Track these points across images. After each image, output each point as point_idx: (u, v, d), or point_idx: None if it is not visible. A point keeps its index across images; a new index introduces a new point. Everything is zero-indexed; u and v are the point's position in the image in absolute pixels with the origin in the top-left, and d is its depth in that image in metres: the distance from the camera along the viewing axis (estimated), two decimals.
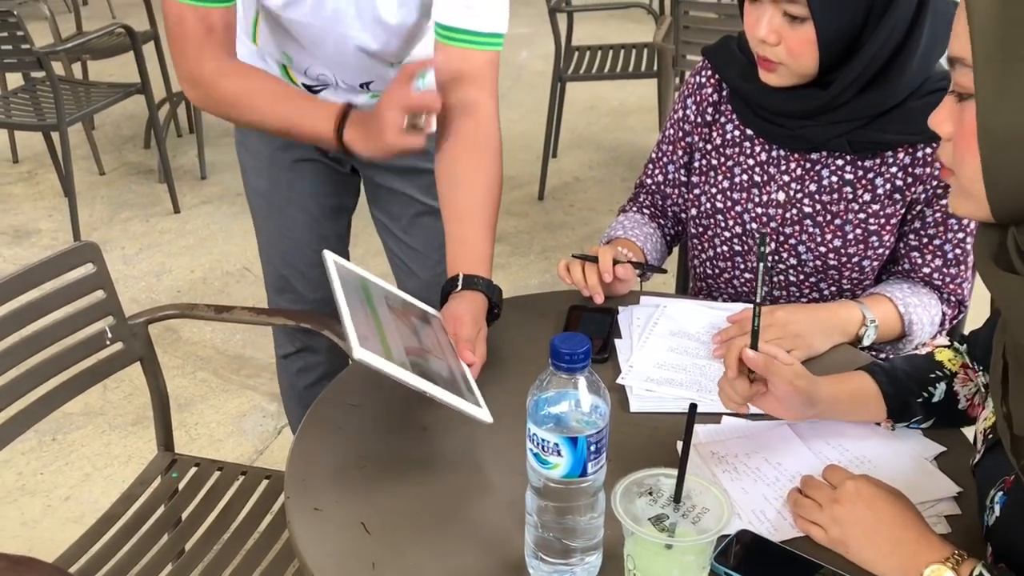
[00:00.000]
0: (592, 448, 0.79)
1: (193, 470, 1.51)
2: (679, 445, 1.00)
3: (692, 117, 1.43)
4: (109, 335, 1.40)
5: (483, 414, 1.01)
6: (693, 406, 0.82)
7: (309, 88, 1.52)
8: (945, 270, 1.32)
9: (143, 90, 3.35)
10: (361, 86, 1.51)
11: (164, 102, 3.93)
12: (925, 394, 1.05)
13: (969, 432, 1.02)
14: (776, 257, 1.37)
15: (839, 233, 1.33)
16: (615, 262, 1.30)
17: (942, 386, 1.05)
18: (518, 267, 3.16)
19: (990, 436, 0.88)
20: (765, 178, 1.36)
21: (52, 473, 2.25)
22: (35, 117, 3.23)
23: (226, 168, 3.93)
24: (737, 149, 1.38)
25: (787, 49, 1.22)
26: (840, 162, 1.31)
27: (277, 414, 2.41)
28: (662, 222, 1.51)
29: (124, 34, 3.31)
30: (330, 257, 1.06)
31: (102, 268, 1.40)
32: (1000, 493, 0.84)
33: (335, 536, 0.91)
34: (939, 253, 1.31)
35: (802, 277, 1.37)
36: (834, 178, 1.32)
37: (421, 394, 0.96)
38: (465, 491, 0.98)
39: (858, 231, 1.32)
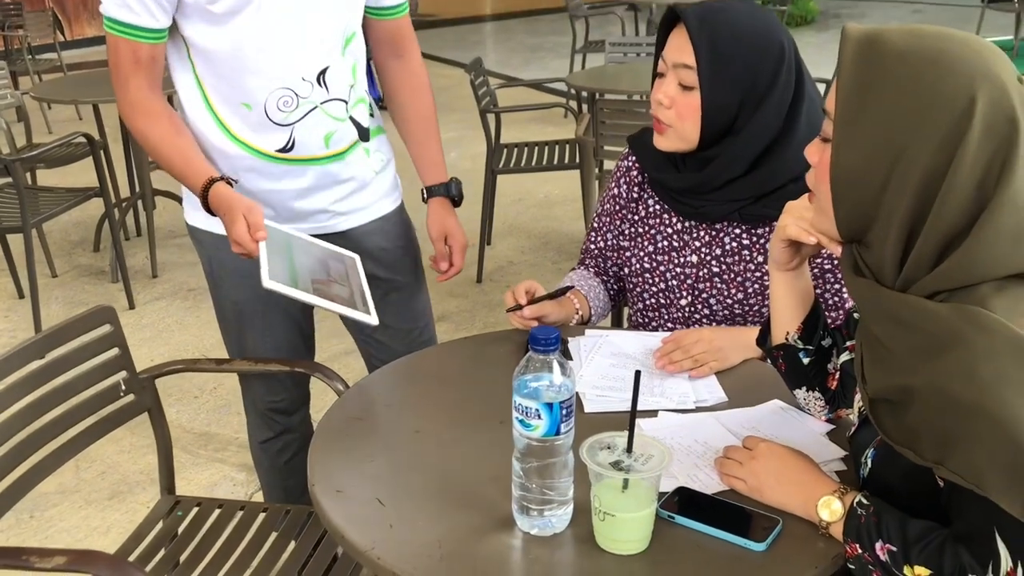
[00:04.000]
0: (564, 412, 1.03)
1: (195, 509, 1.68)
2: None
3: (623, 193, 1.71)
4: (123, 387, 1.60)
5: (369, 319, 1.43)
6: (638, 372, 1.08)
7: (285, 124, 1.61)
8: (827, 312, 1.58)
9: (101, 194, 3.54)
10: (319, 80, 1.60)
11: (116, 206, 4.12)
12: (825, 333, 1.29)
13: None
14: (692, 308, 1.65)
15: (741, 288, 1.61)
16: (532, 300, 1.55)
17: (831, 341, 1.29)
18: None
19: (862, 412, 1.15)
20: (680, 244, 1.64)
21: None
22: None
23: (176, 267, 4.13)
24: (658, 220, 1.66)
25: (676, 113, 1.51)
26: (738, 231, 1.59)
27: (247, 482, 2.57)
28: (605, 279, 1.77)
29: (84, 143, 3.52)
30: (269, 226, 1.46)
31: (118, 328, 1.60)
32: (872, 451, 1.10)
33: (357, 509, 1.12)
34: (821, 300, 1.57)
35: (714, 324, 1.64)
36: (734, 244, 1.60)
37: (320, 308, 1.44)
38: (458, 472, 1.20)
39: (756, 286, 1.60)
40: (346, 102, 1.64)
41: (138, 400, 1.63)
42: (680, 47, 1.49)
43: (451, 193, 1.81)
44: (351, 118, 1.66)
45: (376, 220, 1.76)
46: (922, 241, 0.92)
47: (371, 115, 1.74)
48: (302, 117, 1.60)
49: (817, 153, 1.02)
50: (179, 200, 4.27)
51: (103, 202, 3.63)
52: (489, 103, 4.07)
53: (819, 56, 8.19)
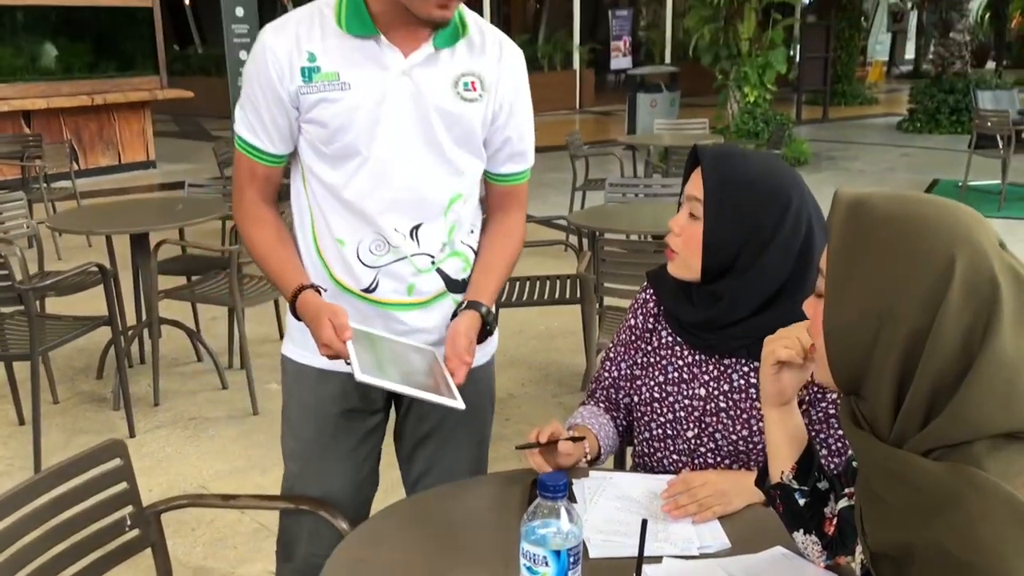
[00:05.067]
0: (571, 560, 1.05)
1: None
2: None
3: (639, 324, 1.77)
4: (128, 522, 1.60)
5: (456, 403, 1.48)
6: (644, 521, 1.10)
7: (375, 267, 1.67)
8: (830, 458, 1.59)
9: (110, 322, 3.60)
10: (412, 234, 1.67)
11: (122, 333, 4.17)
12: (821, 476, 1.31)
13: None
14: (698, 441, 1.68)
15: (747, 425, 1.64)
16: (549, 440, 1.56)
17: (829, 485, 1.31)
18: None
19: (864, 564, 1.16)
20: (689, 376, 1.68)
21: None
22: (0, 348, 3.45)
23: (178, 395, 4.14)
24: (669, 351, 1.71)
25: (683, 241, 1.59)
26: (746, 368, 1.64)
27: None
28: (615, 414, 1.80)
29: (96, 272, 3.60)
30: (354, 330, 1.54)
31: (127, 463, 1.62)
32: None
33: None
34: (824, 445, 1.60)
35: (719, 459, 1.67)
36: (742, 381, 1.64)
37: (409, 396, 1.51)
38: None
39: (760, 424, 1.62)
40: (434, 257, 1.70)
41: (143, 535, 1.64)
42: (696, 182, 1.60)
43: (485, 313, 1.71)
44: (439, 270, 1.71)
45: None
46: (911, 398, 0.95)
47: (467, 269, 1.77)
48: (389, 263, 1.67)
49: (812, 307, 1.08)
50: (184, 328, 4.37)
51: (111, 329, 3.67)
52: None
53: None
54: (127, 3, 11.10)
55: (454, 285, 1.74)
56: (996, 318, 0.92)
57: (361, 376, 1.44)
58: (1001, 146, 7.89)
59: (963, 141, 10.40)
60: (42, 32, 10.56)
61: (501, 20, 22.23)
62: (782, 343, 1.26)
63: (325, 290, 1.67)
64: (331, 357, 1.55)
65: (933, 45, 14.99)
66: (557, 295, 4.08)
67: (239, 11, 9.22)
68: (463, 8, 1.64)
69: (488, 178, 1.77)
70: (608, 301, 3.84)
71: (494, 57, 1.67)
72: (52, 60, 10.61)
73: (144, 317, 4.29)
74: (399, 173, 1.63)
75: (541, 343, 4.80)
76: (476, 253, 1.78)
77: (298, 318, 1.64)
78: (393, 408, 1.87)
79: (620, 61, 17.57)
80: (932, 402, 0.94)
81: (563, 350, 4.67)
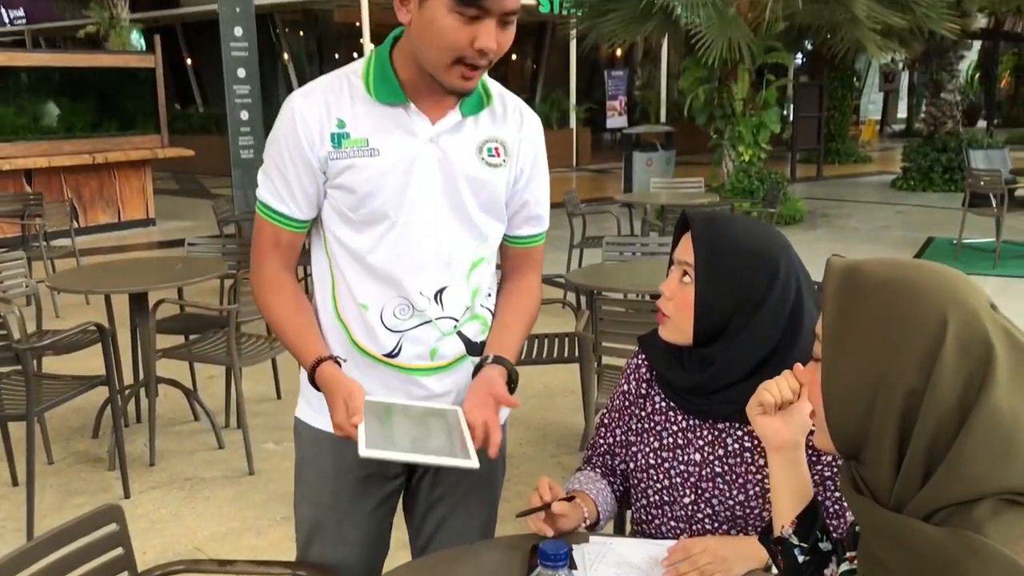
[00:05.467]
0: None
1: None
2: None
3: (632, 390, 1.77)
4: None
5: (469, 463, 1.46)
6: None
7: (399, 331, 1.66)
8: (827, 520, 1.59)
9: (107, 382, 3.59)
10: (436, 297, 1.67)
11: (119, 392, 4.15)
12: (824, 536, 1.30)
13: None
14: (695, 507, 1.67)
15: (743, 490, 1.63)
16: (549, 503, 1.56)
17: (831, 547, 1.30)
18: None
19: None
20: (684, 441, 1.68)
21: None
22: None
23: (174, 455, 4.11)
24: (664, 417, 1.71)
25: (675, 304, 1.60)
26: (740, 432, 1.64)
27: None
28: (612, 479, 1.79)
29: (94, 331, 3.60)
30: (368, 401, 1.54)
31: (123, 528, 1.61)
32: None
33: None
34: (822, 507, 1.60)
35: (716, 524, 1.65)
36: (736, 445, 1.64)
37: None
38: None
39: (757, 488, 1.62)
40: (457, 320, 1.70)
41: None
42: (686, 247, 1.61)
43: (510, 370, 1.69)
44: (459, 333, 1.71)
45: None
46: (909, 459, 0.95)
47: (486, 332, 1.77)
48: (413, 327, 1.67)
49: (810, 373, 1.09)
50: (181, 387, 4.35)
51: (108, 389, 3.66)
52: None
53: (808, 253, 8.44)
54: (130, 64, 11.28)
55: (473, 348, 1.74)
56: (991, 376, 0.94)
57: (365, 452, 1.42)
58: (994, 204, 7.96)
59: (957, 199, 10.51)
60: (46, 92, 10.71)
61: (499, 79, 22.56)
62: (766, 388, 1.31)
63: (345, 360, 1.65)
64: (343, 436, 1.54)
65: (925, 105, 15.18)
66: (556, 354, 4.08)
67: (241, 72, 9.37)
68: (486, 78, 1.67)
69: (506, 240, 1.78)
70: (607, 360, 3.84)
71: (515, 124, 1.71)
72: (55, 119, 10.74)
73: (141, 376, 4.28)
74: (426, 238, 1.64)
75: (540, 402, 4.78)
76: (494, 314, 1.78)
77: (316, 387, 1.62)
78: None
79: (616, 120, 17.82)
80: (930, 462, 0.95)
81: (562, 409, 4.66)
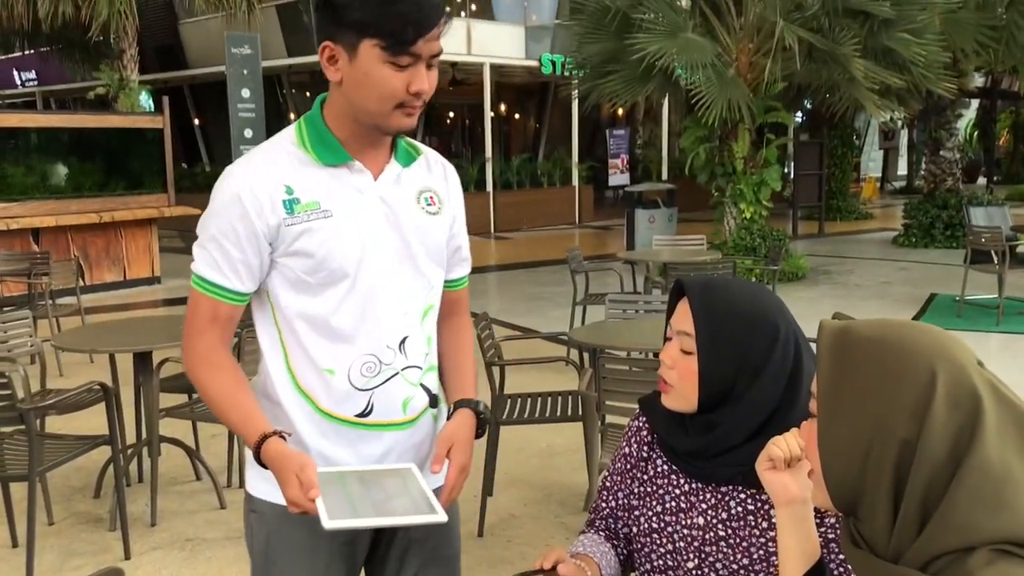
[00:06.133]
0: None
1: None
2: None
3: (633, 453, 1.76)
4: None
5: (437, 517, 1.46)
6: None
7: (365, 389, 1.67)
8: None
9: (110, 442, 3.58)
10: (400, 348, 1.69)
11: (121, 452, 4.14)
12: None
13: None
14: (699, 572, 1.65)
15: (747, 553, 1.62)
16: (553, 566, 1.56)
17: None
18: None
19: None
20: (687, 505, 1.67)
21: None
22: None
23: (175, 515, 4.09)
24: (666, 480, 1.71)
25: (678, 374, 1.60)
26: (743, 495, 1.63)
27: None
28: (615, 543, 1.78)
29: (99, 391, 3.61)
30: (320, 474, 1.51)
31: None
32: None
33: None
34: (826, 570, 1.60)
35: None
36: (739, 508, 1.63)
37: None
38: None
39: (761, 552, 1.61)
40: (421, 369, 1.73)
41: None
42: (683, 316, 1.62)
43: (479, 408, 1.76)
44: (422, 384, 1.74)
45: (437, 488, 1.73)
46: (904, 509, 0.98)
47: (440, 383, 1.82)
48: (383, 383, 1.68)
49: (807, 431, 1.13)
50: (183, 447, 4.34)
51: (110, 448, 3.65)
52: (494, 355, 4.20)
53: (809, 310, 8.47)
54: (139, 125, 11.45)
55: (433, 400, 1.78)
56: (980, 428, 0.97)
57: (330, 524, 1.42)
58: (996, 261, 7.99)
59: (958, 256, 10.55)
60: (55, 152, 10.85)
61: (503, 138, 22.87)
62: (775, 444, 1.34)
63: (290, 434, 1.63)
64: (298, 513, 1.52)
65: (924, 162, 15.30)
66: (559, 412, 4.07)
67: (248, 132, 9.52)
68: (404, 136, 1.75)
69: (444, 285, 1.83)
70: (610, 419, 3.84)
71: (441, 175, 1.80)
72: (63, 179, 10.86)
73: (144, 435, 4.27)
74: (385, 290, 1.67)
75: (543, 461, 4.75)
76: (441, 359, 1.83)
77: (263, 465, 1.59)
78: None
79: (618, 178, 17.98)
80: (924, 512, 0.98)
81: (565, 469, 4.63)
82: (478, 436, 1.75)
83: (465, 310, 1.94)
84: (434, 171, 1.79)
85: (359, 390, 1.67)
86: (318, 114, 1.66)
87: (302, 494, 1.48)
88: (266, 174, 1.61)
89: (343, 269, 1.63)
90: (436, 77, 1.60)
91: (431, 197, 1.75)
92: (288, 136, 1.67)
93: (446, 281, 1.83)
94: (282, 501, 1.62)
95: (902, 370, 1.00)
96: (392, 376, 1.69)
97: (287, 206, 1.60)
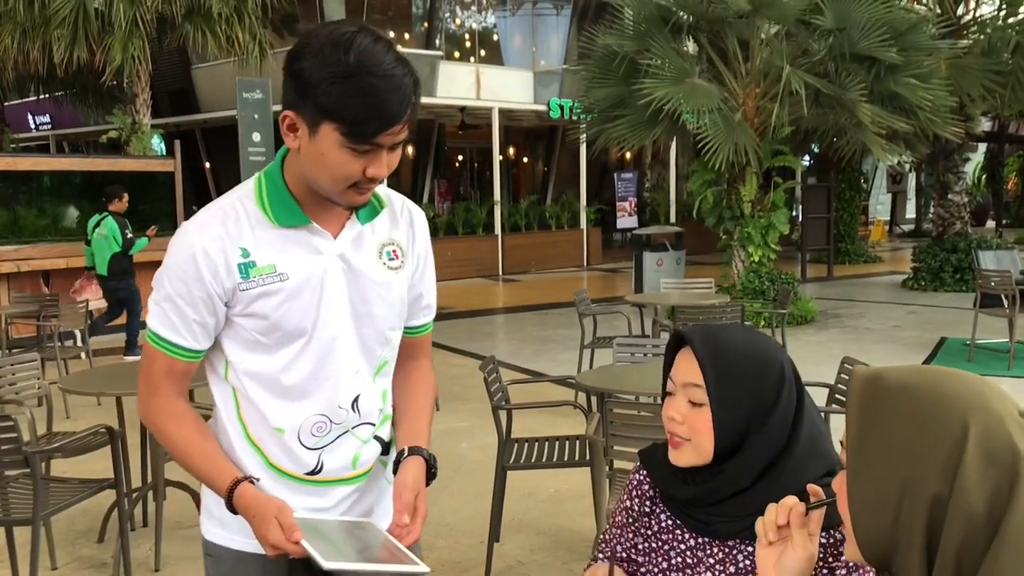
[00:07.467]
0: None
1: None
2: None
3: (635, 507, 1.73)
4: None
5: (419, 568, 1.46)
6: None
7: (314, 448, 1.65)
8: None
9: (115, 486, 3.56)
10: (352, 406, 1.67)
11: (127, 495, 4.11)
12: None
13: None
14: None
15: None
16: None
17: None
18: None
19: None
20: (694, 560, 1.64)
21: None
22: (1, 512, 3.40)
23: (179, 560, 4.04)
24: (670, 535, 1.68)
25: (690, 427, 1.57)
26: (750, 549, 1.59)
27: None
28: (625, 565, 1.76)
29: (104, 434, 3.60)
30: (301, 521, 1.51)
31: None
32: None
33: None
34: None
35: None
36: (748, 561, 1.60)
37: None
38: None
39: None
40: (374, 424, 1.72)
41: None
42: (687, 368, 1.58)
43: (428, 457, 1.71)
44: (376, 436, 1.73)
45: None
46: (938, 569, 0.93)
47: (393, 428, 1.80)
48: (332, 441, 1.66)
49: (839, 483, 1.08)
50: (189, 490, 4.31)
51: (115, 492, 3.63)
52: (501, 399, 4.18)
53: (819, 353, 8.45)
54: (151, 168, 11.56)
55: (386, 448, 1.77)
56: (1020, 486, 0.92)
57: (327, 565, 1.42)
58: (1006, 305, 7.95)
59: (968, 299, 10.50)
60: (68, 195, 10.96)
61: (511, 181, 23.01)
62: (759, 520, 1.31)
63: (259, 479, 1.62)
64: (276, 556, 1.51)
65: (932, 206, 15.30)
66: (566, 457, 4.04)
67: (256, 136, 9.60)
68: None
69: (403, 332, 1.81)
70: (618, 464, 3.80)
71: (407, 223, 1.76)
72: (74, 221, 10.94)
73: (149, 479, 4.25)
74: (338, 349, 1.64)
75: (550, 507, 4.71)
76: (395, 403, 1.80)
77: (233, 511, 1.57)
78: None
79: (626, 221, 18.02)
80: (959, 573, 0.92)
81: (572, 514, 4.58)
82: (427, 484, 1.72)
83: (426, 353, 1.90)
84: (400, 221, 1.75)
85: (309, 449, 1.65)
86: (278, 171, 1.63)
87: (283, 537, 1.47)
88: (223, 235, 1.58)
89: (298, 330, 1.61)
90: (398, 157, 1.57)
91: (394, 251, 1.72)
92: (247, 193, 1.63)
93: (407, 328, 1.80)
94: (237, 545, 1.64)
95: (931, 422, 0.95)
96: (342, 434, 1.68)
97: (242, 270, 1.58)
